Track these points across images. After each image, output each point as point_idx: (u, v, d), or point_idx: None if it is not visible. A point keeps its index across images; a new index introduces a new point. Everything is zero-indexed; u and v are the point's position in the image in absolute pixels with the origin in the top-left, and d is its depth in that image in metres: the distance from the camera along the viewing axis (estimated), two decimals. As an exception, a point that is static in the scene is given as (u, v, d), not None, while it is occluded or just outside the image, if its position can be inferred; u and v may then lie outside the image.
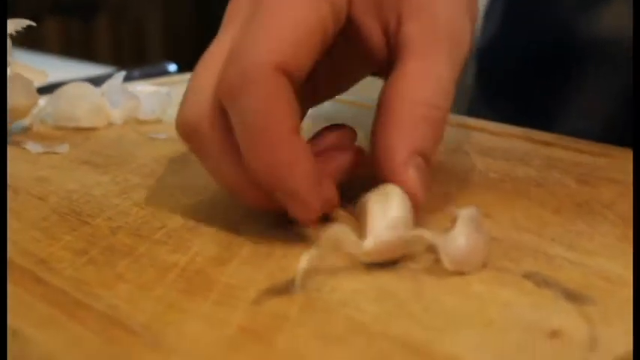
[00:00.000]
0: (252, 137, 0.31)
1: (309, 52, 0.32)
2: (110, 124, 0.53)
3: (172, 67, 0.78)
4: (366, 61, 0.39)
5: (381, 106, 0.35)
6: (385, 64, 0.38)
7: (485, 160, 0.44)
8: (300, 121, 0.36)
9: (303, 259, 0.29)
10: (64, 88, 0.53)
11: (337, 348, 0.26)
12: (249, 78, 0.30)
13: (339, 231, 0.30)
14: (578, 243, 0.33)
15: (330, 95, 0.42)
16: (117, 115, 0.53)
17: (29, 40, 0.87)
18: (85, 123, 0.52)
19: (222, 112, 0.32)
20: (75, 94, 0.52)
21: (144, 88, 0.57)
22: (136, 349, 0.26)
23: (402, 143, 0.33)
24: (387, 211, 0.31)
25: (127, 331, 0.27)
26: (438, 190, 0.40)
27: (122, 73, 0.56)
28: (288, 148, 0.31)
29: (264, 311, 0.28)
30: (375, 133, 0.35)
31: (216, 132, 0.32)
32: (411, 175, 0.33)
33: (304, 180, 0.31)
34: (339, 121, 0.39)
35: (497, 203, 0.38)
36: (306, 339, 0.26)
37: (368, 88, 0.48)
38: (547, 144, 0.47)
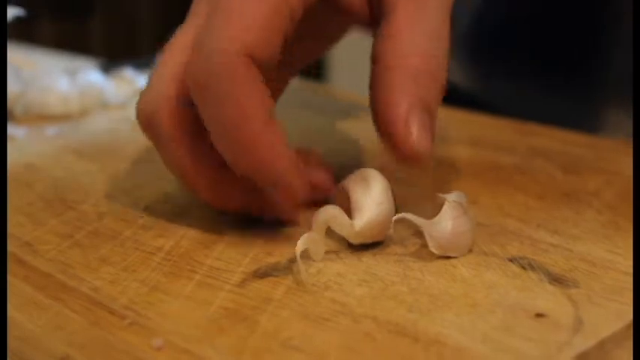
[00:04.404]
0: (227, 135, 0.30)
1: (275, 34, 0.30)
2: (100, 112, 0.53)
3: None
4: (346, 19, 0.37)
5: (375, 63, 0.33)
6: (368, 20, 0.36)
7: (472, 149, 0.44)
8: (277, 98, 0.35)
9: (300, 242, 0.29)
10: (35, 78, 0.53)
11: (321, 329, 0.26)
12: (214, 67, 0.29)
13: (331, 213, 0.30)
14: (563, 228, 0.33)
15: (310, 58, 0.39)
16: (90, 102, 0.53)
17: (24, 39, 0.87)
18: (55, 111, 0.52)
19: (185, 103, 0.31)
20: (45, 84, 0.52)
21: (131, 75, 0.57)
22: (118, 330, 0.26)
23: (402, 98, 0.31)
24: (369, 193, 0.31)
25: (110, 313, 0.27)
26: (425, 178, 0.40)
27: (98, 62, 0.56)
28: (267, 140, 0.29)
29: (249, 293, 0.28)
30: (372, 92, 0.33)
31: (174, 123, 0.32)
32: (414, 130, 0.31)
33: (286, 166, 0.30)
34: None
35: (483, 190, 0.38)
36: (290, 320, 0.26)
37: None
38: (533, 134, 0.47)
